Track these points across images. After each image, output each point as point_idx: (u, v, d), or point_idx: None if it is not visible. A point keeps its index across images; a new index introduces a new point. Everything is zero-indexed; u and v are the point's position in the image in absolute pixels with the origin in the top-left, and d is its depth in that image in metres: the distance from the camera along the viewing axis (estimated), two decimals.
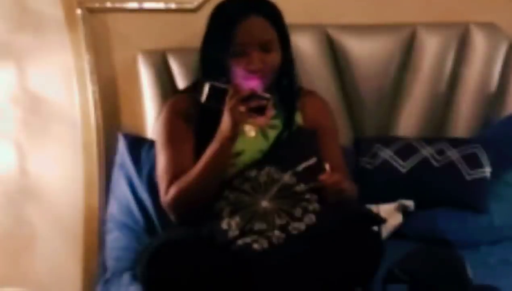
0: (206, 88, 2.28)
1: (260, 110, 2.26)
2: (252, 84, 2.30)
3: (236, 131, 2.29)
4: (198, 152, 2.40)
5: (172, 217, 2.43)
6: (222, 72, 2.40)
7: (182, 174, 2.38)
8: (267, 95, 2.28)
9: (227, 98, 2.27)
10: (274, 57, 2.45)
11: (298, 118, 2.55)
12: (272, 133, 2.48)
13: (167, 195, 2.40)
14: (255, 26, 2.43)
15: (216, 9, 2.50)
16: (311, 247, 2.23)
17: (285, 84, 2.52)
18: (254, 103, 2.26)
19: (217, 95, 2.28)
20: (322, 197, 2.35)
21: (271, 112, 2.28)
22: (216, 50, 2.43)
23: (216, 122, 2.33)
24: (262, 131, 2.46)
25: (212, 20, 2.49)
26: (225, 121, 2.29)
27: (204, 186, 2.35)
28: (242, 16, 2.42)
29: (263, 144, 2.46)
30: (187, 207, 2.38)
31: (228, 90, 2.28)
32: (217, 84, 2.29)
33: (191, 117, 2.46)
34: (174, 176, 2.40)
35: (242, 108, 2.25)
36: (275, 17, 2.48)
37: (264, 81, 2.39)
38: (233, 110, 2.26)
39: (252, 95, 2.26)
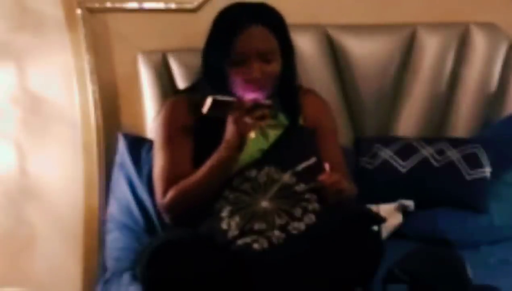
0: (209, 102, 2.28)
1: (263, 117, 2.30)
2: (254, 95, 2.32)
3: (243, 141, 2.32)
4: (196, 156, 2.40)
5: (166, 218, 2.43)
6: (222, 79, 2.40)
7: (179, 177, 2.39)
8: (268, 101, 2.32)
9: (230, 112, 2.29)
10: (274, 68, 2.44)
11: (298, 118, 2.55)
12: (272, 133, 2.48)
13: (164, 197, 2.41)
14: (256, 36, 2.41)
15: (219, 16, 2.48)
16: (311, 247, 2.23)
17: (286, 89, 2.51)
18: (258, 113, 2.29)
19: (219, 107, 2.29)
20: (322, 197, 2.35)
21: (271, 112, 2.30)
22: (216, 58, 2.43)
23: (215, 128, 2.34)
24: (262, 131, 2.46)
25: (214, 26, 2.48)
26: (231, 132, 2.31)
27: (205, 192, 2.36)
28: (243, 26, 2.40)
29: (263, 144, 2.46)
30: (184, 210, 2.38)
31: (229, 102, 2.29)
32: (219, 97, 2.29)
33: (190, 119, 2.46)
34: (171, 178, 2.40)
35: (248, 120, 2.27)
36: (277, 25, 2.46)
37: (264, 91, 2.39)
38: (238, 122, 2.28)
39: (255, 105, 2.29)
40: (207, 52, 2.49)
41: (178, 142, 2.45)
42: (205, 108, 2.28)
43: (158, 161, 2.47)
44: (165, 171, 2.43)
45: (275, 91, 2.46)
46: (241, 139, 2.31)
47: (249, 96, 2.32)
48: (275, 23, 2.46)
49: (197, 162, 2.39)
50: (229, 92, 2.37)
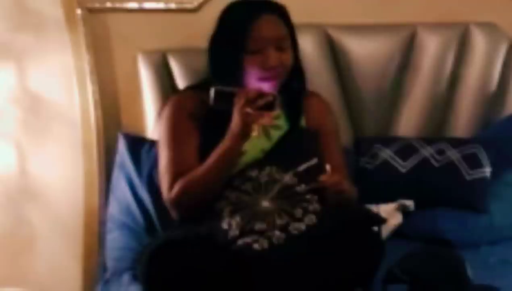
0: (212, 94, 2.29)
1: (268, 108, 2.28)
2: (265, 86, 2.31)
3: (247, 131, 2.30)
4: (203, 150, 2.39)
5: (173, 214, 2.42)
6: (233, 71, 2.39)
7: (186, 171, 2.37)
8: (273, 92, 2.31)
9: (235, 101, 2.28)
10: (289, 56, 2.45)
11: (301, 119, 2.55)
12: (275, 134, 2.47)
13: (171, 191, 2.39)
14: (270, 23, 2.42)
15: (226, 11, 2.48)
16: (311, 247, 2.23)
17: (295, 86, 2.51)
18: (261, 102, 2.27)
19: (224, 98, 2.29)
20: (323, 198, 2.35)
21: (275, 111, 2.30)
22: (230, 48, 2.41)
23: (222, 122, 2.33)
24: (265, 131, 2.46)
25: (223, 20, 2.47)
26: (236, 122, 2.30)
27: (211, 184, 2.35)
28: (256, 14, 2.41)
29: (266, 144, 2.46)
30: (191, 205, 2.37)
31: (234, 93, 2.29)
32: (222, 88, 2.30)
33: (197, 115, 2.45)
34: (177, 173, 2.39)
35: (250, 110, 2.26)
36: (286, 17, 2.48)
37: (277, 82, 2.39)
38: (242, 112, 2.27)
39: (259, 95, 2.28)
40: (217, 46, 2.47)
41: (185, 137, 2.44)
42: (211, 100, 2.28)
43: (164, 155, 2.45)
44: (171, 165, 2.42)
45: (281, 87, 2.45)
46: (245, 130, 2.30)
47: (264, 86, 2.31)
48: (285, 14, 2.48)
49: (205, 156, 2.38)
50: (241, 86, 2.36)
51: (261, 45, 2.40)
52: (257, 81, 2.35)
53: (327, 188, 2.29)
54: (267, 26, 2.41)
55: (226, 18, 2.47)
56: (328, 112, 2.62)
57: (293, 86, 2.50)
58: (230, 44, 2.42)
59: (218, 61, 2.46)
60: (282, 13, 2.46)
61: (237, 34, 2.40)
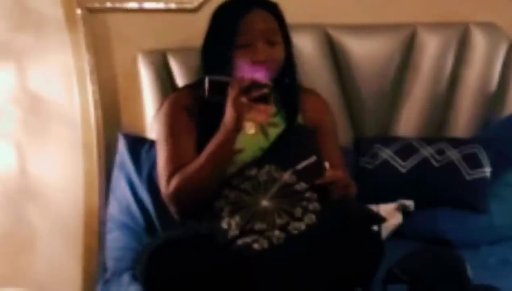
0: (206, 83, 2.29)
1: (263, 100, 2.26)
2: (258, 75, 2.30)
3: (240, 122, 2.29)
4: (200, 146, 2.39)
5: (172, 210, 2.41)
6: (224, 67, 2.39)
7: (184, 166, 2.37)
8: (267, 82, 2.27)
9: (229, 90, 2.27)
10: (279, 51, 2.45)
11: (298, 117, 2.55)
12: (273, 131, 2.48)
13: (168, 187, 2.39)
14: (260, 17, 2.43)
15: (219, 8, 2.50)
16: (311, 247, 2.23)
17: (287, 83, 2.51)
18: (255, 93, 2.26)
19: (218, 89, 2.29)
20: (324, 195, 2.34)
21: (271, 108, 2.29)
22: (221, 43, 2.42)
23: (218, 116, 2.33)
24: (262, 129, 2.46)
25: (215, 17, 2.49)
26: (229, 113, 2.29)
27: (206, 177, 2.34)
28: (246, 9, 2.42)
29: (264, 143, 2.46)
30: (189, 199, 2.36)
31: (228, 83, 2.28)
32: (216, 78, 2.29)
33: (193, 111, 2.45)
34: (175, 169, 2.38)
35: (244, 100, 2.25)
36: (277, 14, 2.48)
37: (269, 72, 2.38)
38: (235, 102, 2.26)
39: (253, 85, 2.26)
40: (209, 41, 2.49)
41: (182, 135, 2.44)
42: (205, 92, 2.28)
43: (162, 151, 2.45)
44: (169, 160, 2.41)
45: (275, 85, 2.45)
46: (238, 121, 2.28)
47: (257, 75, 2.29)
48: (275, 10, 2.48)
49: (201, 150, 2.38)
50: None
51: (251, 39, 2.41)
52: (247, 73, 2.33)
53: (334, 182, 2.28)
54: (256, 20, 2.42)
55: (217, 16, 2.49)
56: (326, 110, 2.62)
57: (285, 83, 2.50)
58: (220, 40, 2.43)
59: (210, 58, 2.47)
60: (273, 10, 2.48)
61: (227, 29, 2.41)
